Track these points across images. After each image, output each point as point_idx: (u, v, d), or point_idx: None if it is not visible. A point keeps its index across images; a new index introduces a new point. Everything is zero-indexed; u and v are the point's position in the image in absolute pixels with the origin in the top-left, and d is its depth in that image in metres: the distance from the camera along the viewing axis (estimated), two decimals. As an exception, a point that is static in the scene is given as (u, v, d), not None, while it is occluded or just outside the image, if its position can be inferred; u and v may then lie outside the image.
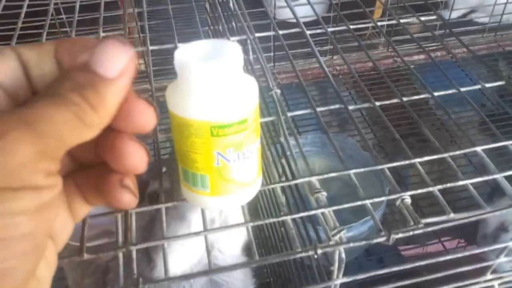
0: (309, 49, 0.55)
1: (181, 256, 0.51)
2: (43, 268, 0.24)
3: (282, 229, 0.53)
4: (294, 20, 0.59)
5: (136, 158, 0.25)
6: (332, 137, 0.41)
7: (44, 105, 0.21)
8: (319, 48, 1.10)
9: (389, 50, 1.17)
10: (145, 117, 0.25)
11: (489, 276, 0.38)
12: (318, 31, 0.58)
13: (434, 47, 1.12)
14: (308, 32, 0.55)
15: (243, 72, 0.30)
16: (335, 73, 1.14)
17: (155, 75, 0.59)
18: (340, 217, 0.34)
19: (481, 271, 0.41)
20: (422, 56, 1.14)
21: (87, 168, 0.27)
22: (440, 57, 1.08)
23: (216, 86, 0.28)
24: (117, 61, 0.23)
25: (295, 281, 0.57)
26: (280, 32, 0.56)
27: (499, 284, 0.38)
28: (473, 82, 0.49)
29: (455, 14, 1.24)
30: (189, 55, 0.28)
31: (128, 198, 0.26)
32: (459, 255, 0.36)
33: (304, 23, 0.57)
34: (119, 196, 0.25)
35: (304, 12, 0.86)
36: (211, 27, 0.89)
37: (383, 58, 1.16)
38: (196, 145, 0.29)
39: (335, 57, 1.16)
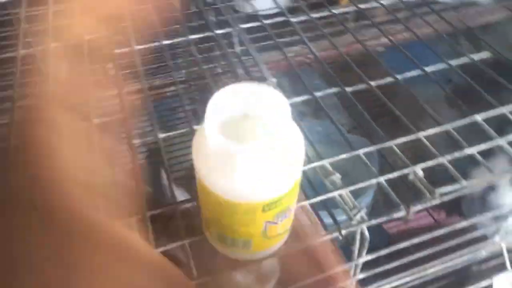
0: (282, 39, 0.57)
1: None
2: None
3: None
4: (260, 13, 0.59)
5: None
6: (316, 124, 0.41)
7: None
8: (288, 39, 1.10)
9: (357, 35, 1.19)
10: None
11: (497, 238, 0.40)
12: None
13: (401, 29, 1.15)
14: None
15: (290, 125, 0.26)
16: (307, 61, 1.15)
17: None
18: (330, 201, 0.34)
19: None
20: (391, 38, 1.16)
21: None
22: (409, 38, 1.10)
23: (265, 163, 0.24)
24: None
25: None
26: (257, 23, 0.57)
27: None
28: (440, 59, 0.53)
29: (416, -4, 1.27)
30: (226, 119, 0.25)
31: None
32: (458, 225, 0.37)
33: (270, 14, 0.58)
34: None
35: (270, 4, 0.87)
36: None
37: (351, 43, 1.18)
38: (243, 221, 0.26)
39: (304, 47, 1.17)
